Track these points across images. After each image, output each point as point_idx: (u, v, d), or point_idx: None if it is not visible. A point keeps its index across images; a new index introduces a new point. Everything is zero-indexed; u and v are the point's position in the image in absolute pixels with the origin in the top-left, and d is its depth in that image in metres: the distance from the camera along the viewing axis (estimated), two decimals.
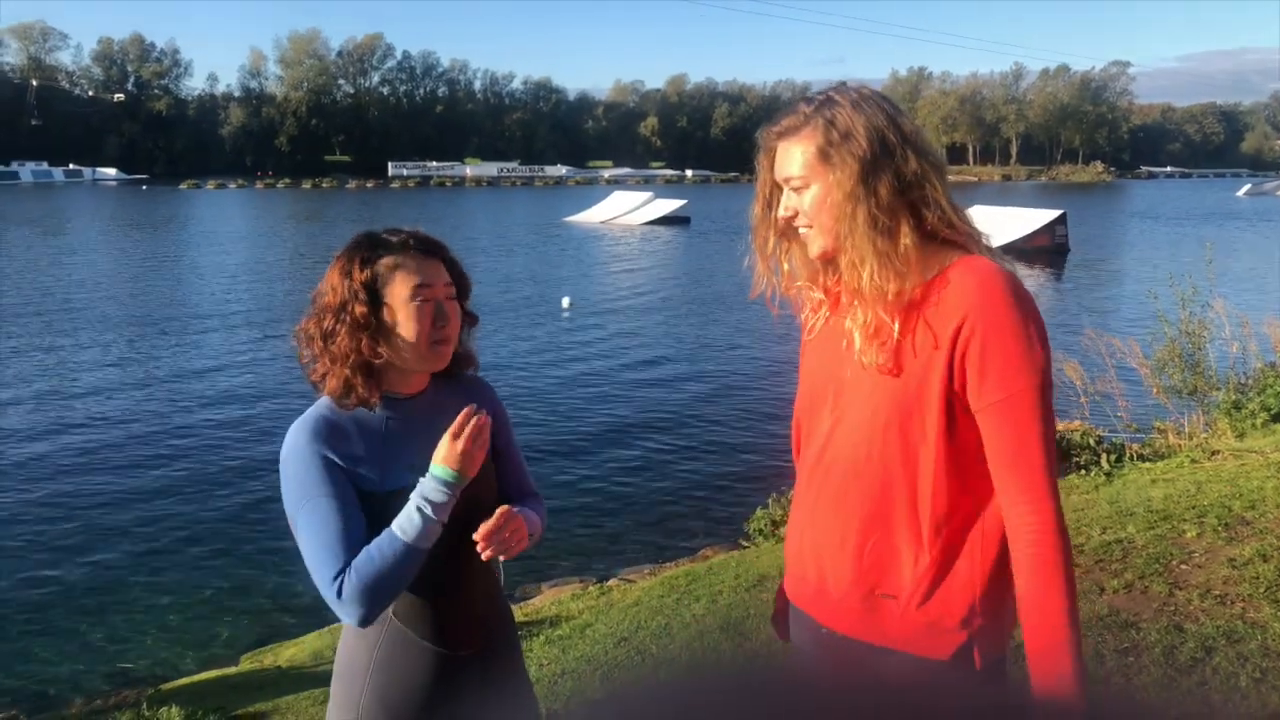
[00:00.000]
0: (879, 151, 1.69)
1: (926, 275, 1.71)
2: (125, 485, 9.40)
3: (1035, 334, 1.66)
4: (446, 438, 1.82)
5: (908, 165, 1.70)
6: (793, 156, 1.75)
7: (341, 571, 1.78)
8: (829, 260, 1.83)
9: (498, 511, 1.88)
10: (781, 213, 1.80)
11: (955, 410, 1.70)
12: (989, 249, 1.76)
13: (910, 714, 0.56)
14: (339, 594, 1.78)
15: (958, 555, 1.74)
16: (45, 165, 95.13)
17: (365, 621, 1.81)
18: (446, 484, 1.81)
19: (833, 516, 1.81)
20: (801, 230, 1.80)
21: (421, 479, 1.83)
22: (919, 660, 1.75)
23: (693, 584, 5.36)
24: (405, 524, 1.79)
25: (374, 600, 1.78)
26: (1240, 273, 23.32)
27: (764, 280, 1.90)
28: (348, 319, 1.85)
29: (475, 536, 1.86)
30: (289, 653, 5.80)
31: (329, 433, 1.86)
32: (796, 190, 1.76)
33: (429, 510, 1.79)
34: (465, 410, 1.85)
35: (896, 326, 1.70)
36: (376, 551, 1.79)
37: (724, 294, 23.09)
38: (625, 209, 48.75)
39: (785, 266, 1.88)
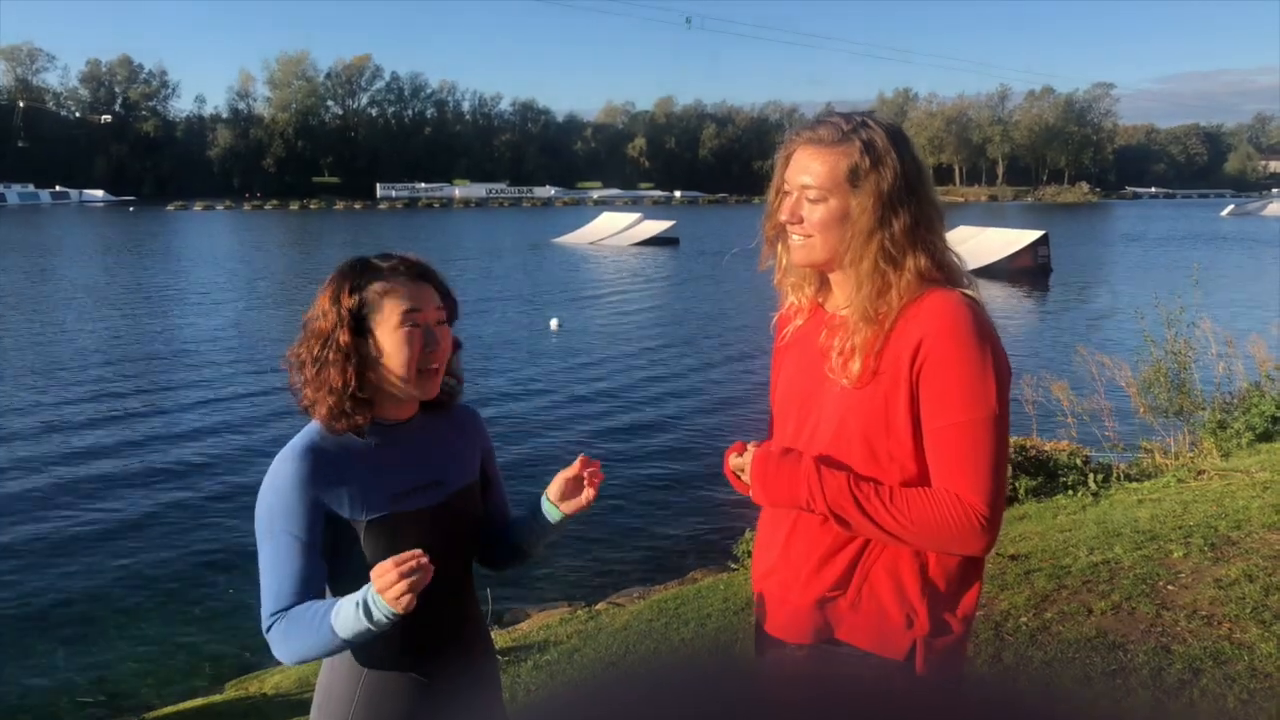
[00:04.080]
0: (904, 188, 1.74)
1: (904, 302, 1.76)
2: (107, 511, 9.31)
3: (989, 364, 1.70)
4: (390, 570, 1.63)
5: (922, 208, 1.76)
6: (817, 167, 1.77)
7: (278, 614, 1.80)
8: (814, 270, 1.87)
9: (579, 459, 1.97)
10: (783, 216, 1.83)
11: (920, 429, 1.75)
12: (968, 284, 1.81)
13: (848, 707, 0.57)
14: (268, 631, 1.83)
15: (904, 559, 1.78)
16: (31, 187, 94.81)
17: (290, 663, 1.92)
18: (389, 617, 1.67)
19: (800, 528, 1.86)
20: (795, 237, 1.82)
21: (372, 592, 1.66)
22: (866, 655, 1.79)
23: (681, 607, 5.33)
24: (346, 619, 1.69)
25: (293, 655, 1.82)
26: (1225, 292, 23.45)
27: (769, 259, 1.95)
28: (335, 346, 1.83)
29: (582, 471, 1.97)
30: (274, 679, 5.74)
31: (314, 463, 1.84)
32: (811, 201, 1.78)
33: (366, 623, 1.67)
34: (413, 555, 1.65)
35: (867, 346, 1.75)
36: (312, 618, 1.75)
37: (713, 316, 23.10)
38: (614, 230, 48.84)
39: (782, 261, 1.91)
